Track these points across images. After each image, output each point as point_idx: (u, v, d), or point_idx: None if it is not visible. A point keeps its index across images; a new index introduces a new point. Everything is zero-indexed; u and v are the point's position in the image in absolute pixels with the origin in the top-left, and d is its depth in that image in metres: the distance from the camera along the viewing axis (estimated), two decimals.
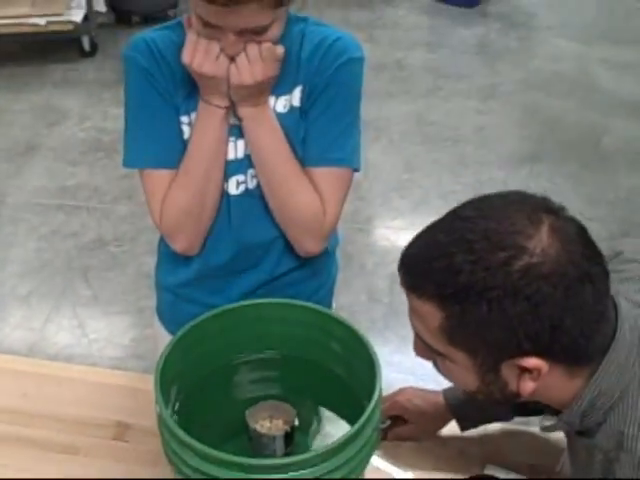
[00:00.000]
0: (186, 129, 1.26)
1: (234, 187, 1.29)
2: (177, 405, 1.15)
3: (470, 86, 3.95)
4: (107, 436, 1.32)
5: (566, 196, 3.21)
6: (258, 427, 1.16)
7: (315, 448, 1.15)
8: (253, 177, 1.29)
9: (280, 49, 1.18)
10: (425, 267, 0.88)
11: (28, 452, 1.29)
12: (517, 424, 1.30)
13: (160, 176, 1.26)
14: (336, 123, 1.26)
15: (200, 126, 1.24)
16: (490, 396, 0.93)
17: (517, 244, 0.83)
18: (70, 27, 4.04)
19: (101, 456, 1.29)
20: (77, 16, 4.05)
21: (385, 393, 1.16)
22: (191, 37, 1.17)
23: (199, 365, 1.19)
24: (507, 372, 0.89)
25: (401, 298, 0.97)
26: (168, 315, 1.48)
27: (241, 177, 1.29)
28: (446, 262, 0.85)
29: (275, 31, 1.16)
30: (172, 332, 1.32)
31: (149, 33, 1.27)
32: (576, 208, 3.14)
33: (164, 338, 1.38)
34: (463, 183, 3.30)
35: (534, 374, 0.88)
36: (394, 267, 1.10)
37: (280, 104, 1.26)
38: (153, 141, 1.26)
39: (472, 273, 0.83)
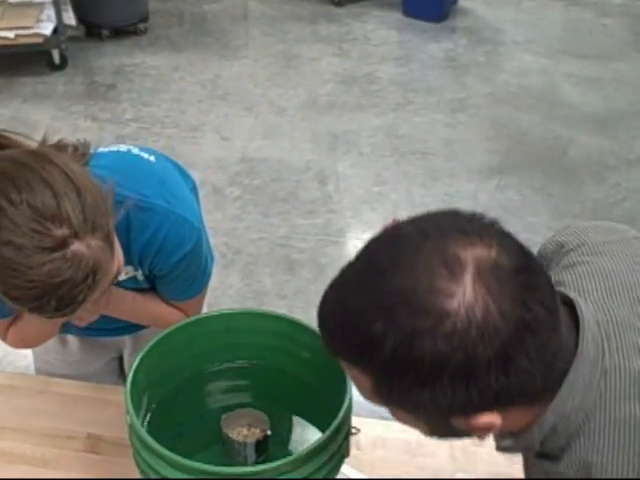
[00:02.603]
0: None
1: None
2: (148, 416, 1.15)
3: (439, 100, 4.00)
4: (78, 448, 1.32)
5: (534, 208, 3.26)
6: (231, 434, 1.17)
7: (286, 456, 1.16)
8: None
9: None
10: (345, 335, 0.78)
11: None
12: None
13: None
14: (185, 280, 1.29)
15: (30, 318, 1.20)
16: (446, 437, 0.87)
17: (438, 308, 0.72)
18: (40, 40, 4.02)
19: (72, 468, 1.28)
20: (47, 29, 4.03)
21: (356, 402, 1.17)
22: None
23: (170, 375, 1.19)
24: (458, 423, 0.80)
25: None
26: None
27: None
28: (366, 332, 0.75)
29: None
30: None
31: None
32: (544, 220, 3.19)
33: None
34: (433, 195, 3.33)
35: (486, 428, 0.80)
36: None
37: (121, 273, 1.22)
38: None
39: (394, 343, 0.73)
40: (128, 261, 1.19)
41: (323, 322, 0.82)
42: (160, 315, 1.35)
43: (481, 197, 3.32)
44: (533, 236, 3.05)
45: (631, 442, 0.80)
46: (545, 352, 0.76)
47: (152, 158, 1.25)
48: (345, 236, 3.14)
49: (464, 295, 0.73)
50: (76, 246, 0.96)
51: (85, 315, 1.17)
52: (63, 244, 0.95)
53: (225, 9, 4.81)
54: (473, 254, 0.75)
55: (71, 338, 1.51)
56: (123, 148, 1.26)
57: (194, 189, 1.37)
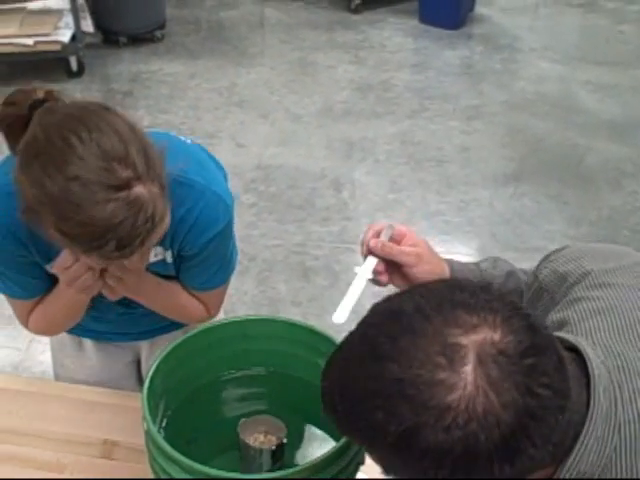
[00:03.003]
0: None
1: None
2: (164, 422, 1.15)
3: (455, 107, 3.99)
4: (94, 454, 1.32)
5: (550, 216, 3.25)
6: (248, 440, 1.17)
7: (301, 464, 1.16)
8: None
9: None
10: (348, 420, 0.77)
11: (14, 470, 1.29)
12: None
13: (21, 303, 1.32)
14: (211, 267, 1.31)
15: (59, 295, 1.27)
16: None
17: (439, 402, 0.70)
18: (58, 47, 4.05)
19: (88, 474, 1.29)
20: (65, 36, 4.06)
21: None
22: (67, 259, 1.15)
23: (186, 382, 1.20)
24: None
25: None
26: None
27: None
28: (367, 420, 0.74)
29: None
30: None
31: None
32: (560, 228, 3.17)
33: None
34: (448, 202, 3.33)
35: None
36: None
37: (151, 254, 1.25)
38: (13, 282, 1.28)
39: (396, 432, 0.72)
40: (159, 241, 1.19)
41: (326, 403, 0.80)
42: (182, 305, 1.35)
43: (497, 205, 3.31)
44: (549, 244, 3.04)
45: None
46: (552, 434, 0.74)
47: (189, 141, 1.30)
48: (359, 243, 3.13)
49: (465, 388, 0.71)
50: (139, 189, 0.99)
51: (127, 276, 1.18)
52: (127, 185, 0.99)
53: (242, 16, 4.83)
54: (475, 340, 0.72)
55: (88, 343, 1.52)
56: (161, 130, 1.29)
57: (225, 179, 1.37)
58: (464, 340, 0.72)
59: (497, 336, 0.72)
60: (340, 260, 3.01)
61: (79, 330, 1.45)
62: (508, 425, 0.71)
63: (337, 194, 3.36)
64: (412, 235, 1.13)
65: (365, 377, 0.75)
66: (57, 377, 1.61)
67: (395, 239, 1.12)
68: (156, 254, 1.26)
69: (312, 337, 1.19)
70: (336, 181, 3.44)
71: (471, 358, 0.71)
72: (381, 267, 1.10)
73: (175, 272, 1.32)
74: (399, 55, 4.50)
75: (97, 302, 1.33)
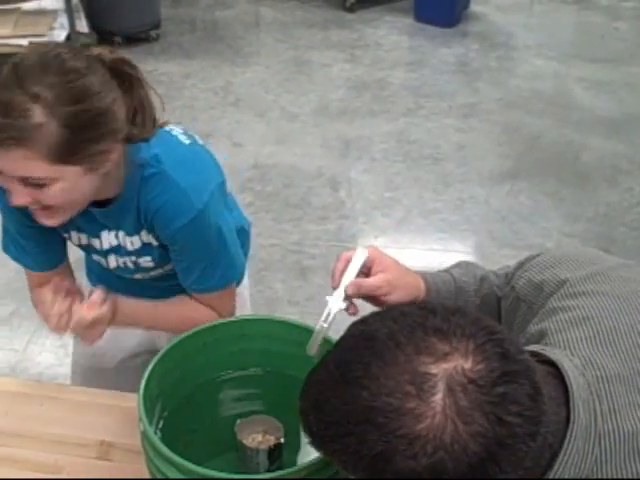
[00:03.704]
0: (74, 240, 1.34)
1: (113, 263, 1.36)
2: (161, 423, 1.15)
3: (450, 105, 4.00)
4: (90, 455, 1.32)
5: (546, 213, 3.25)
6: (245, 440, 1.16)
7: (297, 464, 1.16)
8: (128, 261, 1.35)
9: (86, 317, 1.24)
10: (322, 441, 0.79)
11: (10, 472, 1.28)
12: None
13: (31, 273, 1.40)
14: (197, 263, 1.32)
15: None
16: None
17: (408, 431, 0.72)
18: None
19: (84, 475, 1.28)
20: (59, 37, 4.05)
21: None
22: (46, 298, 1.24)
23: (183, 382, 1.19)
24: None
25: None
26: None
27: (113, 258, 1.36)
28: (341, 444, 0.76)
29: (56, 191, 1.11)
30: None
31: None
32: (556, 225, 3.17)
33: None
34: (444, 201, 3.33)
35: None
36: None
37: (128, 243, 1.30)
38: (24, 253, 1.36)
39: (369, 457, 0.74)
40: (140, 224, 1.27)
41: (304, 423, 0.81)
42: (189, 317, 1.34)
43: (493, 202, 3.31)
44: (546, 241, 3.04)
45: None
46: (523, 461, 0.75)
47: (186, 140, 1.30)
48: (357, 242, 3.13)
49: (433, 417, 0.71)
50: (37, 106, 1.03)
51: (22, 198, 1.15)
52: (28, 93, 1.03)
53: (237, 16, 4.83)
54: (446, 369, 0.73)
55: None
56: (167, 127, 1.30)
57: (222, 184, 1.37)
58: (434, 369, 0.72)
59: (468, 364, 0.73)
60: None
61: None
62: (476, 454, 0.72)
63: (333, 193, 3.36)
64: (381, 259, 1.10)
65: (338, 401, 0.76)
66: (74, 365, 1.64)
67: (366, 265, 1.09)
68: (141, 237, 1.29)
69: (309, 337, 1.19)
70: (332, 180, 3.44)
71: (441, 387, 0.72)
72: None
73: (168, 261, 1.34)
74: (394, 53, 4.50)
75: (122, 282, 1.39)
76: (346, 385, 0.76)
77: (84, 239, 1.34)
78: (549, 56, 4.46)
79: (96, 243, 1.33)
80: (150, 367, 1.11)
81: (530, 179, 3.46)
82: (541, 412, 0.76)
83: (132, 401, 1.12)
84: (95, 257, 1.38)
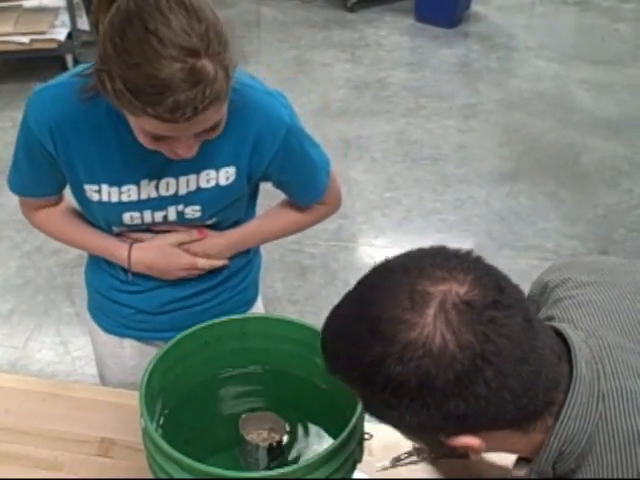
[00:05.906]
0: (95, 195, 1.29)
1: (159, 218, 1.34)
2: (162, 420, 1.15)
3: (451, 105, 4.00)
4: (91, 452, 1.32)
5: (546, 214, 3.25)
6: (249, 435, 1.17)
7: (299, 461, 1.16)
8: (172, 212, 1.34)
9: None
10: (336, 357, 0.87)
11: (11, 468, 1.29)
12: None
13: (32, 200, 1.43)
14: (303, 171, 1.38)
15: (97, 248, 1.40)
16: (446, 456, 0.92)
17: (401, 337, 0.79)
18: (54, 45, 4.05)
19: (85, 472, 1.29)
20: (61, 34, 4.06)
21: None
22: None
23: (183, 380, 1.20)
24: (443, 442, 0.85)
25: None
26: (98, 312, 1.53)
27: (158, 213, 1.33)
28: (347, 354, 0.84)
29: (223, 122, 1.16)
30: (104, 327, 1.51)
31: (51, 99, 1.29)
32: (556, 226, 3.17)
33: (96, 333, 1.54)
34: (444, 201, 3.33)
35: (467, 448, 0.84)
36: None
37: (222, 177, 1.28)
38: (33, 183, 1.38)
39: (366, 365, 0.81)
40: (235, 155, 1.27)
41: (322, 348, 0.90)
42: (294, 222, 1.48)
43: (493, 203, 3.31)
44: (545, 242, 3.05)
45: (637, 455, 0.82)
46: (510, 381, 0.79)
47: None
48: (357, 242, 3.14)
49: (423, 328, 0.78)
50: (206, 62, 1.03)
51: (182, 149, 1.16)
52: (198, 54, 1.02)
53: (238, 15, 4.83)
54: (441, 290, 0.80)
55: (128, 343, 1.51)
56: None
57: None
58: (431, 289, 0.80)
59: (463, 289, 0.80)
60: (337, 258, 3.02)
61: (120, 329, 1.48)
62: (462, 364, 0.77)
63: None
64: None
65: (346, 317, 0.86)
66: (102, 378, 1.62)
67: None
68: (228, 174, 1.29)
69: (309, 335, 1.20)
70: None
71: (434, 304, 0.79)
72: None
73: (239, 193, 1.35)
74: (395, 54, 4.50)
75: (158, 294, 1.42)
76: (356, 302, 0.86)
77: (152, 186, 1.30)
78: (550, 57, 4.47)
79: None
80: (151, 364, 1.12)
81: (530, 180, 3.47)
82: (532, 346, 0.81)
83: (133, 398, 1.13)
84: (136, 215, 1.33)
